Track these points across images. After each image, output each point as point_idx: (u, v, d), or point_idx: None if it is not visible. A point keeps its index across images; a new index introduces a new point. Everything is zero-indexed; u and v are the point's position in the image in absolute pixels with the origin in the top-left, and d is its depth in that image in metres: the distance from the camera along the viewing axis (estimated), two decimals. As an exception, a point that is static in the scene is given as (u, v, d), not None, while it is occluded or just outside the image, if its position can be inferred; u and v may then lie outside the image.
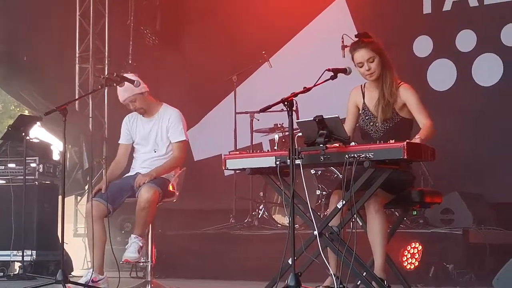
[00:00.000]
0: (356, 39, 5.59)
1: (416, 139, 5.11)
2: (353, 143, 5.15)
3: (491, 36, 8.58)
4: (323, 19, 9.82)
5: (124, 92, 6.87)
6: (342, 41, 8.35)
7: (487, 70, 8.61)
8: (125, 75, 6.90)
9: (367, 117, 5.63)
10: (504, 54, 8.49)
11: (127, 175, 7.05)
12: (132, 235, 6.73)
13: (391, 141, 4.96)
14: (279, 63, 9.67)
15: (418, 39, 9.08)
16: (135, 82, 6.74)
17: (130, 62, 10.70)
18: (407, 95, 5.52)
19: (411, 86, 5.59)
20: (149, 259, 6.90)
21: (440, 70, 8.91)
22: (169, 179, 6.93)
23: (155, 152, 6.95)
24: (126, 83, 6.71)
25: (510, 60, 8.44)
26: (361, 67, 5.55)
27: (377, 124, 5.56)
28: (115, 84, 6.65)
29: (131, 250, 6.65)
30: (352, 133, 5.58)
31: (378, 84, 5.58)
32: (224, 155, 5.57)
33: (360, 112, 5.68)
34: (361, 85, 5.74)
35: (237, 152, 5.74)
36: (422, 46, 9.05)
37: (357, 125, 5.72)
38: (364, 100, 5.67)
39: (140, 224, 6.66)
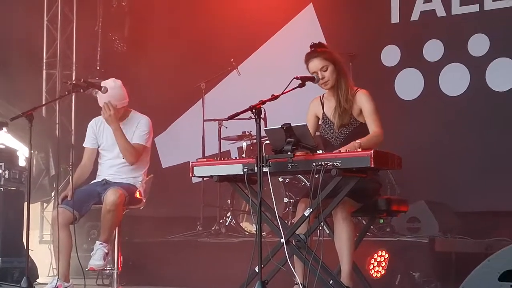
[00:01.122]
0: (311, 49, 5.64)
1: (355, 143, 5.14)
2: (320, 151, 5.18)
3: (458, 46, 8.64)
4: (291, 28, 9.84)
5: (105, 100, 6.81)
6: (310, 50, 8.37)
7: (454, 80, 8.66)
8: (108, 80, 6.88)
9: (326, 125, 5.68)
10: (471, 64, 8.55)
11: (93, 181, 7.02)
12: (97, 241, 6.70)
13: (358, 150, 5.00)
14: (248, 71, 9.68)
15: (386, 48, 9.12)
16: (103, 88, 6.72)
17: (98, 68, 10.66)
18: (362, 101, 5.57)
19: (368, 92, 5.62)
20: (115, 267, 6.87)
21: (408, 79, 8.95)
22: (136, 186, 6.91)
23: (122, 158, 6.91)
24: (114, 91, 6.71)
25: (477, 70, 8.50)
26: None
27: (335, 131, 5.60)
28: (82, 90, 6.62)
29: (96, 258, 6.62)
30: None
31: (335, 92, 5.63)
32: (192, 162, 5.57)
33: (320, 122, 5.73)
34: (320, 96, 5.79)
35: (205, 160, 5.74)
36: (390, 55, 9.09)
37: (318, 134, 5.77)
38: (323, 110, 5.72)
39: (105, 228, 6.63)
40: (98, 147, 7.04)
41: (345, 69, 5.72)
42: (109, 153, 6.98)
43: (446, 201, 8.31)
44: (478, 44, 8.50)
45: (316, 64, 5.59)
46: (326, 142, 5.70)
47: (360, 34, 9.12)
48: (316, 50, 5.63)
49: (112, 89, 6.78)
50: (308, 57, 5.64)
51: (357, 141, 5.15)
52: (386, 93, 8.72)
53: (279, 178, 8.19)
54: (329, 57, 5.60)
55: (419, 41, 8.90)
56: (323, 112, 5.72)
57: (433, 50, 8.79)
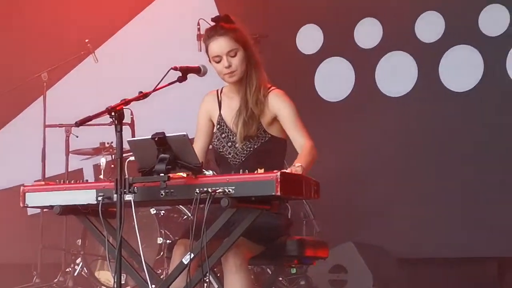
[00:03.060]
0: (213, 23, 5.62)
1: (297, 168, 5.17)
2: (209, 172, 5.18)
3: (403, 27, 8.70)
4: (171, -3, 9.90)
5: None
6: (198, 29, 8.39)
7: (398, 74, 8.68)
8: None
9: (223, 135, 5.66)
10: (420, 53, 8.65)
11: None
12: None
13: (258, 170, 5.01)
14: (108, 57, 9.67)
15: (304, 29, 9.20)
16: None
17: None
18: (279, 105, 5.57)
19: (286, 93, 5.63)
20: None
21: (333, 72, 9.04)
22: None
23: None
24: None
25: (427, 60, 8.62)
26: (218, 62, 5.57)
27: (236, 145, 5.61)
28: None
29: None
30: (204, 157, 5.60)
31: (241, 88, 5.62)
32: (24, 186, 5.50)
33: (215, 129, 5.71)
34: (217, 91, 5.78)
35: (43, 183, 5.67)
36: (309, 39, 9.16)
37: (211, 146, 5.75)
38: (220, 111, 5.71)
39: None
40: None
41: (259, 58, 5.68)
42: None
43: (383, 244, 8.41)
44: (430, 26, 8.62)
45: (221, 45, 5.54)
46: (222, 159, 5.69)
47: (268, 8, 9.18)
48: (222, 25, 5.58)
49: None
50: (211, 34, 5.58)
51: (296, 164, 5.17)
52: (303, 91, 8.78)
53: (152, 210, 8.17)
54: (240, 38, 5.57)
55: (349, 20, 8.99)
56: (220, 115, 5.71)
57: (368, 32, 8.89)
